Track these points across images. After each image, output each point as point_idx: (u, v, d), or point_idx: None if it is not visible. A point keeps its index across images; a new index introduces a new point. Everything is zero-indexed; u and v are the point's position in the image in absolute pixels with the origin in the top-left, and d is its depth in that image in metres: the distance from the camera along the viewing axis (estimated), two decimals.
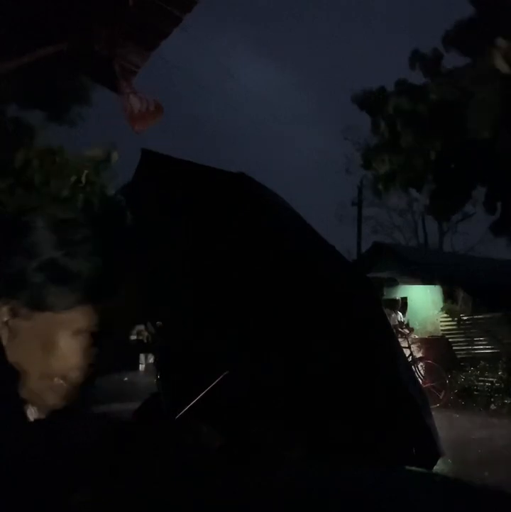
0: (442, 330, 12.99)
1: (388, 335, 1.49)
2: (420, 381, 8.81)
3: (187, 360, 2.58)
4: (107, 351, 0.84)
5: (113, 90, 4.96)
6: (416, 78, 12.62)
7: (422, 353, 11.10)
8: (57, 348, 0.77)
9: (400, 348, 1.71)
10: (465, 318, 12.60)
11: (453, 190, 11.61)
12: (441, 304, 13.53)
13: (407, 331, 10.28)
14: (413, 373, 1.64)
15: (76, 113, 11.60)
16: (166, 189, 1.59)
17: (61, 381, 0.80)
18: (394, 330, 8.79)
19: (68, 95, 10.21)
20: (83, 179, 9.68)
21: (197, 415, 1.96)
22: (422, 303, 13.94)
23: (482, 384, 10.55)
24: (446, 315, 13.19)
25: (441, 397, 9.59)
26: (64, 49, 5.02)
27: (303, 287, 1.49)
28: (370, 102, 12.22)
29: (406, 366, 1.60)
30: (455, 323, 12.76)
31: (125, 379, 14.07)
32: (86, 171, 9.71)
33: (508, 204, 11.61)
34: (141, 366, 17.06)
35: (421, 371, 9.71)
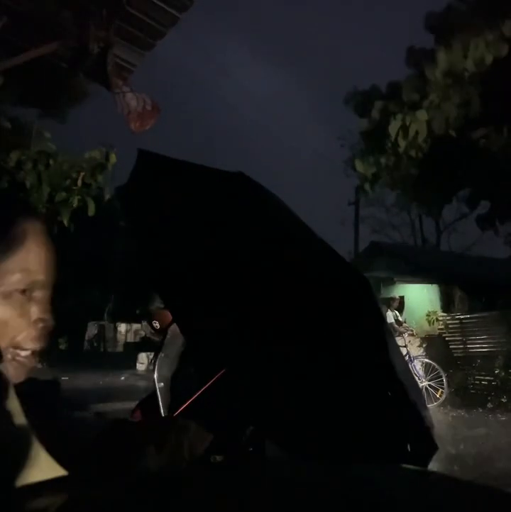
0: (439, 329, 13.03)
1: (385, 334, 1.49)
2: (417, 379, 8.83)
3: (185, 358, 2.59)
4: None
5: (110, 89, 4.94)
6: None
7: (419, 352, 11.13)
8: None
9: (397, 347, 1.71)
10: (461, 316, 12.64)
11: (439, 186, 11.77)
12: (438, 303, 13.58)
13: (403, 329, 10.30)
14: (410, 371, 1.64)
15: (73, 114, 11.56)
16: (163, 190, 1.59)
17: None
18: (391, 329, 8.81)
19: (65, 94, 10.18)
20: (79, 182, 9.63)
21: (189, 413, 1.96)
22: (419, 301, 13.98)
23: (478, 382, 10.59)
24: (442, 313, 13.23)
25: (438, 395, 9.61)
26: (59, 48, 5.01)
27: (301, 287, 1.49)
28: (359, 103, 12.36)
29: (403, 364, 1.61)
30: (452, 321, 12.79)
31: (122, 378, 14.07)
32: (82, 174, 9.67)
33: (495, 200, 11.72)
34: (141, 366, 16.80)
35: (418, 370, 9.73)
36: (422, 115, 10.32)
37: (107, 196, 10.30)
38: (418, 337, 11.81)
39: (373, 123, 11.54)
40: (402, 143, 10.47)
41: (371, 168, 11.51)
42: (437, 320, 13.16)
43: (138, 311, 20.54)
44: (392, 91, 12.00)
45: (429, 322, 13.31)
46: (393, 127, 10.46)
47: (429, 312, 13.40)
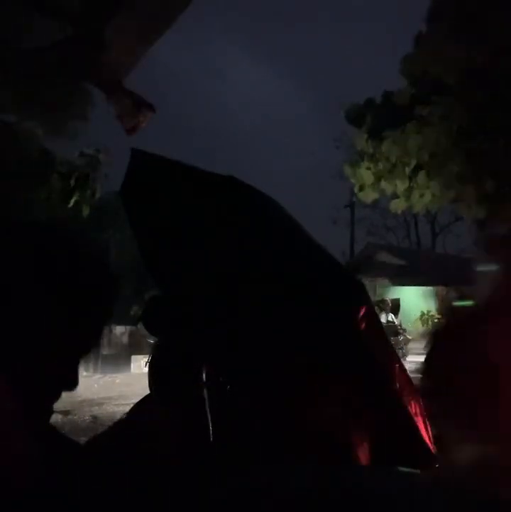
0: None
1: (381, 340, 1.49)
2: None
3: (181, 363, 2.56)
4: None
5: (105, 91, 4.93)
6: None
7: (414, 353, 11.13)
8: None
9: (394, 352, 1.70)
10: None
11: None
12: (433, 305, 13.63)
13: (399, 331, 10.31)
14: (407, 377, 1.63)
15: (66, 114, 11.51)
16: (156, 188, 1.58)
17: None
18: (387, 331, 8.82)
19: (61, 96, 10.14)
20: (72, 182, 9.61)
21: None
22: (415, 303, 14.03)
23: None
24: (437, 315, 13.28)
25: None
26: (55, 50, 4.99)
27: (291, 289, 1.48)
28: (355, 116, 12.38)
29: (400, 371, 1.59)
30: None
31: (118, 380, 14.02)
32: (76, 174, 9.64)
33: (494, 202, 11.78)
34: (136, 368, 16.62)
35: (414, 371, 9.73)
36: (432, 131, 10.34)
37: (98, 195, 10.28)
38: (413, 339, 11.83)
39: (368, 131, 11.56)
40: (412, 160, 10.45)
41: (366, 177, 11.52)
42: (432, 321, 13.21)
43: (132, 313, 20.44)
44: (386, 100, 12.03)
45: (423, 323, 13.36)
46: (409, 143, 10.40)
47: (423, 313, 13.45)
